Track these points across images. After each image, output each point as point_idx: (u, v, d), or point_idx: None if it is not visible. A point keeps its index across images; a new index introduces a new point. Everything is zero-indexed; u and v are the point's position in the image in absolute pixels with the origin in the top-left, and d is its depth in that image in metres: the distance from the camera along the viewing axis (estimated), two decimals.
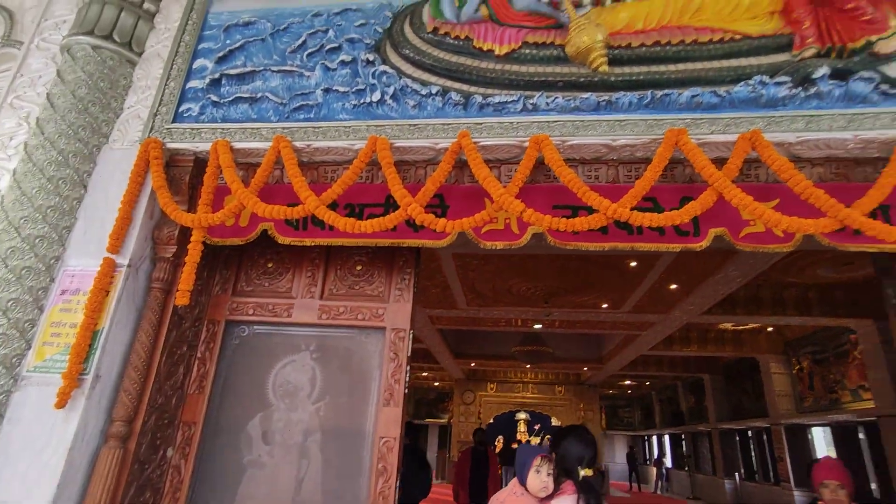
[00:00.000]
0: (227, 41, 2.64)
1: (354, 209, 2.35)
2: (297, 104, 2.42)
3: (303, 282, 2.56)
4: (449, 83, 2.37)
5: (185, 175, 2.42)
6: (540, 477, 1.86)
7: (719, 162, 2.15)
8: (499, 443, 16.01)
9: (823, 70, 2.12)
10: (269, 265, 2.61)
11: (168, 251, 2.33)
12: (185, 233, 2.32)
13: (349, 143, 2.32)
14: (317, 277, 2.56)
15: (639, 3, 2.40)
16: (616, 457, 22.45)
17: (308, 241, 2.32)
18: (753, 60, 2.24)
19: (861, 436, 9.53)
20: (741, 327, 10.50)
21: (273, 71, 2.52)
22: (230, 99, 2.48)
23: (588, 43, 2.27)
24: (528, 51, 2.38)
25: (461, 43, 2.45)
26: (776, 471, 12.03)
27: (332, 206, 2.25)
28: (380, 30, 2.55)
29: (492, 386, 14.59)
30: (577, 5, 2.43)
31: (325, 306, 2.49)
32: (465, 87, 2.35)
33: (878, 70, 2.11)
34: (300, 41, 2.57)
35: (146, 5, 2.72)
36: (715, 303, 7.47)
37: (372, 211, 2.33)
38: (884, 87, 2.08)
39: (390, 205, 2.30)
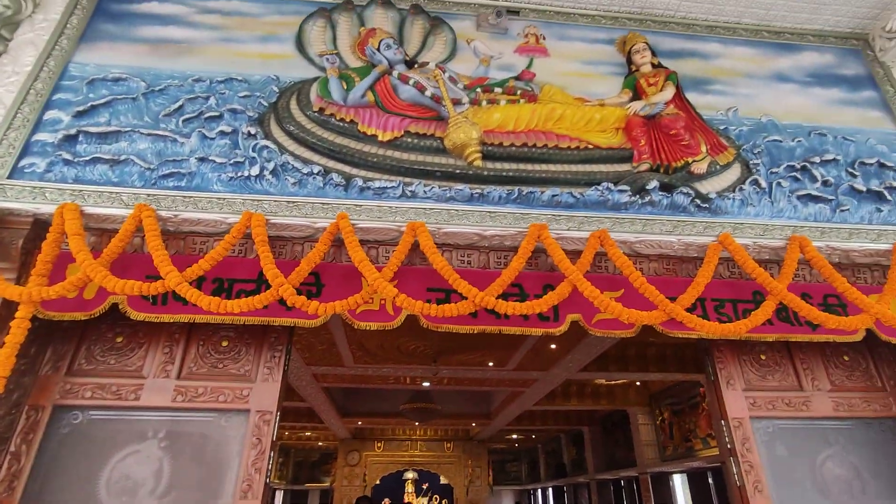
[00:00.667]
0: (91, 95, 2.46)
1: (223, 284, 2.23)
2: (167, 171, 2.29)
3: (158, 359, 2.33)
4: (332, 164, 2.41)
5: (17, 239, 2.13)
6: None
7: (576, 253, 2.40)
8: None
9: (654, 183, 2.51)
10: (119, 339, 2.35)
11: None
12: (10, 307, 2.01)
13: (222, 216, 2.23)
14: (175, 354, 2.35)
15: (510, 107, 2.68)
16: None
17: (167, 318, 2.14)
18: (603, 168, 2.58)
19: (710, 480, 10.57)
20: (613, 382, 11.36)
21: (142, 133, 2.37)
22: (87, 158, 2.27)
23: (464, 139, 2.46)
24: (409, 139, 2.52)
25: (346, 125, 2.52)
26: None
27: (199, 279, 2.13)
28: (265, 103, 2.55)
29: (379, 445, 14.06)
30: (457, 103, 2.64)
31: (182, 387, 2.28)
32: (347, 168, 2.41)
33: (692, 187, 2.54)
34: (177, 105, 2.47)
35: None
36: (590, 360, 8.05)
37: (242, 287, 2.23)
38: (697, 201, 2.51)
39: (262, 281, 2.22)
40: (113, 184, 2.25)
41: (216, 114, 2.48)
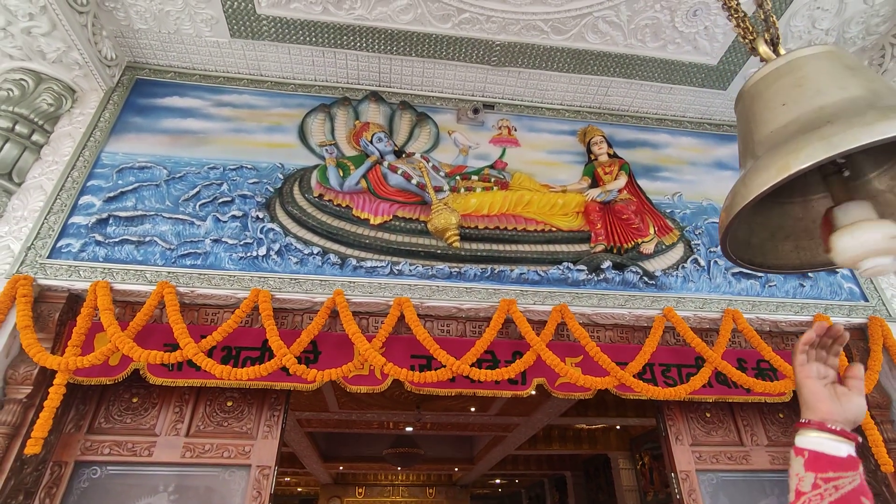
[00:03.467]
0: (120, 182, 2.82)
1: (231, 352, 2.54)
2: (186, 251, 2.64)
3: (169, 418, 2.60)
4: (329, 244, 2.78)
5: (54, 312, 2.43)
6: None
7: (541, 324, 2.77)
8: None
9: (608, 262, 2.92)
10: (135, 400, 2.63)
11: (21, 392, 2.27)
12: (45, 373, 2.30)
13: (233, 292, 2.56)
14: (185, 414, 2.63)
15: (485, 194, 3.10)
16: None
17: (181, 382, 2.43)
18: (564, 248, 2.99)
19: None
20: (594, 427, 11.54)
21: (164, 217, 2.72)
22: (116, 239, 2.61)
23: (445, 223, 2.86)
24: (397, 223, 2.91)
25: (342, 210, 2.91)
26: None
27: (210, 348, 2.44)
28: (271, 189, 2.93)
29: (360, 490, 13.90)
30: (438, 190, 3.06)
31: (191, 444, 2.55)
32: (342, 249, 2.78)
33: (641, 266, 2.96)
34: (195, 191, 2.84)
35: (35, 137, 2.81)
36: (570, 406, 8.31)
37: (248, 354, 2.55)
38: (645, 278, 2.92)
39: (266, 349, 2.55)
40: (138, 262, 2.58)
41: (228, 199, 2.85)
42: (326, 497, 13.64)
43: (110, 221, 2.67)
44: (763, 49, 1.09)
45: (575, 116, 3.68)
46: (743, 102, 1.03)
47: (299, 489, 15.30)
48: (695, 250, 3.15)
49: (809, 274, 3.19)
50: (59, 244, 2.56)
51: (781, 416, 3.23)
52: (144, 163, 2.90)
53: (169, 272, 2.57)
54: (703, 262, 3.11)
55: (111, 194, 2.75)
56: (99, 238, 2.60)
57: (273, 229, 2.77)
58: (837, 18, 3.20)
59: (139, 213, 2.71)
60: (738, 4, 1.18)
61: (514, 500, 21.05)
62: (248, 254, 2.69)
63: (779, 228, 1.10)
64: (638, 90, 3.63)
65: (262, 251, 2.69)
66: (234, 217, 2.78)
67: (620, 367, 2.62)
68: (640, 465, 12.09)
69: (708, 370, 2.72)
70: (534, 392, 2.73)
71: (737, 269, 3.12)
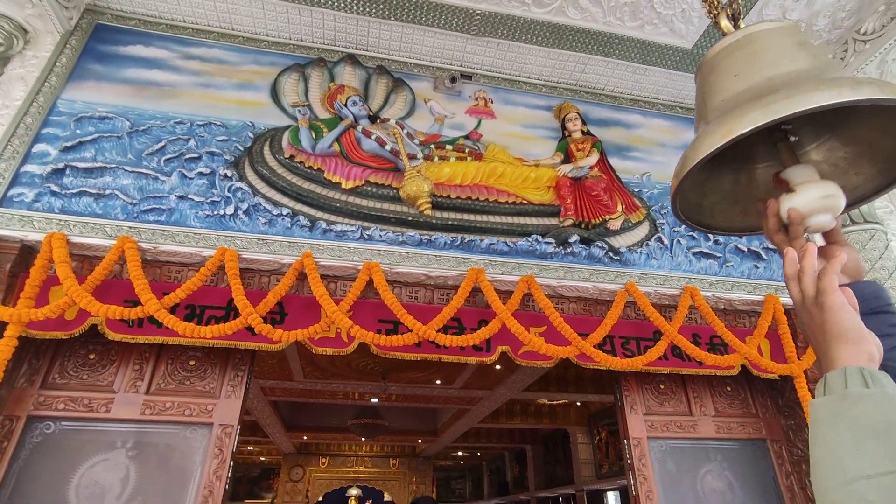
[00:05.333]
0: (79, 131, 2.69)
1: (195, 310, 2.50)
2: (149, 206, 2.55)
3: (128, 376, 2.56)
4: (299, 206, 2.74)
5: (5, 263, 2.33)
6: None
7: (507, 294, 2.83)
8: None
9: (575, 237, 2.98)
10: (92, 356, 2.57)
11: None
12: None
13: (198, 250, 2.51)
14: (145, 371, 2.59)
15: (459, 164, 3.10)
16: None
17: (142, 339, 2.39)
18: (534, 221, 3.04)
19: None
20: (555, 402, 11.92)
21: (126, 170, 2.62)
22: (74, 191, 2.50)
23: (417, 191, 2.86)
24: (369, 188, 2.89)
25: (313, 173, 2.86)
26: None
27: (173, 305, 2.39)
28: (240, 147, 2.86)
29: (324, 460, 14.02)
30: (412, 157, 3.04)
31: (151, 401, 2.52)
32: (312, 211, 2.75)
33: (607, 241, 3.04)
34: (160, 145, 2.74)
35: None
36: (533, 381, 8.54)
37: (213, 314, 2.51)
38: (610, 253, 3.01)
39: (232, 308, 2.52)
40: (97, 215, 2.49)
41: (195, 155, 2.76)
42: (289, 467, 13.72)
43: (67, 172, 2.56)
44: (724, 23, 1.14)
45: (551, 92, 3.69)
46: (702, 73, 1.08)
47: (262, 458, 15.32)
48: (659, 229, 3.24)
49: (763, 256, 3.35)
50: (10, 193, 2.44)
51: (729, 389, 3.41)
52: (105, 113, 2.77)
53: (130, 227, 2.49)
54: (666, 241, 3.21)
55: (68, 144, 2.63)
56: (55, 188, 2.49)
57: (241, 188, 2.71)
58: (807, 10, 3.28)
59: (99, 164, 2.60)
60: None
61: (476, 472, 21.67)
62: (215, 212, 2.62)
63: (728, 193, 1.16)
64: (614, 69, 3.66)
65: (230, 210, 2.64)
66: (201, 174, 2.71)
67: (582, 338, 2.71)
68: (597, 440, 12.59)
69: (664, 343, 2.84)
70: (497, 359, 2.80)
71: (697, 249, 3.24)
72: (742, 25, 1.12)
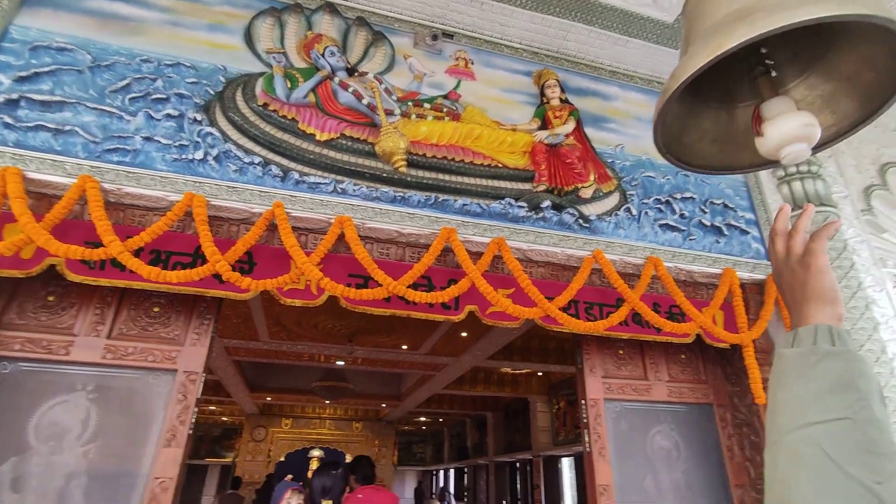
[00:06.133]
0: (34, 61, 2.53)
1: (160, 256, 2.45)
2: (112, 146, 2.45)
3: (89, 319, 2.50)
4: (271, 156, 2.68)
5: None
6: None
7: (478, 255, 2.87)
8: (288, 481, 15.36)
9: (547, 202, 3.03)
10: (50, 298, 2.49)
11: None
12: None
13: (164, 194, 2.44)
14: (106, 316, 2.53)
15: (436, 123, 3.07)
16: (406, 492, 23.26)
17: (104, 282, 2.33)
18: (507, 185, 3.06)
19: None
20: (518, 371, 12.27)
21: (88, 106, 2.49)
22: (30, 124, 2.37)
23: (393, 147, 2.83)
24: (344, 142, 2.85)
25: (287, 122, 2.79)
26: (533, 497, 13.95)
27: (137, 249, 2.33)
28: (211, 91, 2.75)
29: (287, 422, 14.13)
30: (389, 113, 3.00)
31: (113, 346, 2.48)
32: (285, 162, 2.69)
33: (578, 209, 3.10)
34: (124, 83, 2.61)
35: None
36: (497, 350, 8.75)
37: (179, 260, 2.46)
38: (580, 221, 3.07)
39: (199, 255, 2.47)
40: (56, 152, 2.37)
41: (163, 96, 2.65)
42: (252, 427, 13.77)
43: (22, 104, 2.41)
44: None
45: (532, 58, 3.67)
46: (689, 2, 1.09)
47: (224, 418, 15.32)
48: (629, 200, 3.32)
49: (724, 231, 3.48)
50: None
51: (683, 356, 3.59)
52: (64, 44, 2.61)
53: (92, 166, 2.39)
54: (634, 212, 3.29)
55: (23, 73, 2.47)
56: (8, 120, 2.36)
57: (212, 133, 2.63)
58: None
59: (57, 98, 2.47)
60: None
61: (437, 437, 22.27)
62: (183, 156, 2.54)
63: (707, 131, 1.20)
64: (595, 38, 3.66)
65: (199, 155, 2.56)
66: (168, 116, 2.60)
67: (548, 301, 2.78)
68: (555, 409, 13.08)
69: (626, 309, 2.95)
70: (465, 318, 2.86)
71: (664, 221, 3.34)
72: None
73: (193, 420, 2.43)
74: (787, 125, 0.95)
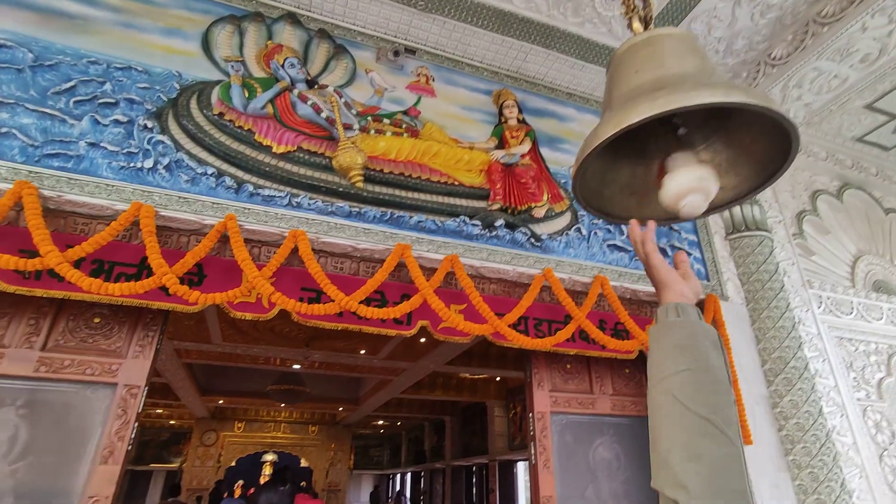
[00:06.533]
0: None
1: (104, 266, 2.37)
2: (53, 150, 2.36)
3: (22, 330, 2.39)
4: (226, 167, 2.65)
5: None
6: None
7: (432, 271, 2.91)
8: (237, 488, 14.96)
9: (501, 221, 3.12)
10: None
11: None
12: None
13: (110, 203, 2.37)
14: (41, 327, 2.43)
15: (395, 139, 3.11)
16: (362, 496, 23.04)
17: (40, 293, 2.24)
18: (463, 202, 3.13)
19: None
20: (476, 376, 12.39)
21: (28, 108, 2.40)
22: None
23: (350, 162, 2.85)
24: (301, 155, 2.84)
25: (244, 133, 2.76)
26: (488, 501, 14.09)
27: (78, 259, 2.26)
28: (164, 98, 2.69)
29: (239, 425, 13.75)
30: (348, 127, 3.01)
31: (47, 358, 2.38)
32: (240, 173, 2.66)
33: (530, 228, 3.20)
34: (69, 85, 2.52)
35: None
36: (456, 355, 8.81)
37: (123, 271, 2.40)
38: (532, 239, 3.17)
39: (145, 267, 2.41)
40: None
41: (112, 101, 2.57)
42: (202, 431, 13.33)
43: None
44: (636, 25, 1.26)
45: (492, 77, 3.76)
46: (612, 67, 1.20)
47: (172, 422, 14.74)
48: (579, 220, 3.45)
49: (668, 252, 3.66)
50: None
51: (627, 370, 3.75)
52: (2, 40, 2.50)
53: (31, 171, 2.29)
54: (584, 232, 3.42)
55: None
56: None
57: (163, 142, 2.57)
58: (729, 30, 3.56)
59: None
60: None
61: (394, 440, 22.16)
62: (132, 164, 2.48)
63: (626, 185, 1.30)
64: (553, 62, 3.79)
65: (149, 163, 2.50)
66: (117, 122, 2.53)
67: (499, 318, 2.86)
68: (512, 414, 13.27)
69: (573, 326, 3.06)
70: (417, 333, 2.90)
71: (612, 242, 3.48)
72: (651, 28, 1.24)
73: (133, 435, 2.37)
74: (684, 177, 1.06)
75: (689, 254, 3.77)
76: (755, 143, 1.14)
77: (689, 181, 1.07)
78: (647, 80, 1.05)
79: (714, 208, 1.20)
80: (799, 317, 3.91)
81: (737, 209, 4.06)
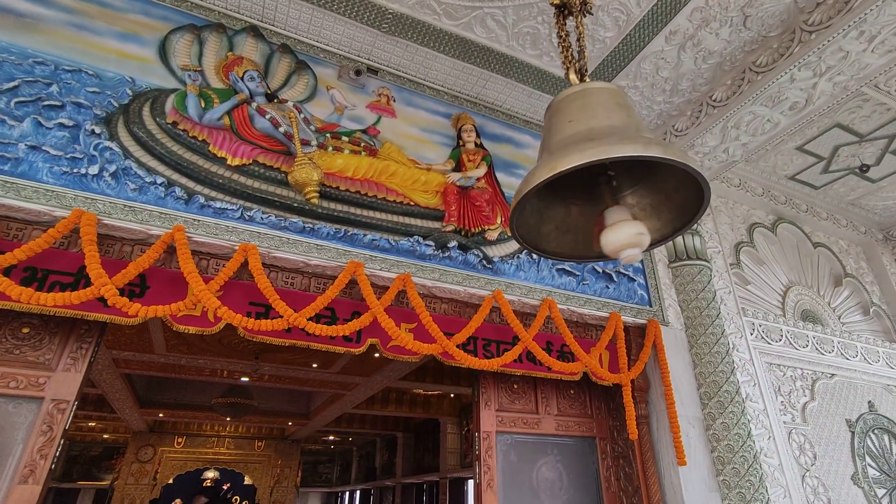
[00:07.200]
0: None
1: (36, 274, 2.27)
2: None
3: None
4: (176, 176, 2.60)
5: None
6: None
7: (384, 289, 2.94)
8: None
9: (454, 242, 3.18)
10: None
11: None
12: None
13: (49, 209, 2.28)
14: None
15: (352, 157, 3.14)
16: None
17: None
18: (418, 222, 3.18)
19: None
20: (430, 393, 12.35)
21: None
22: None
23: (306, 178, 2.85)
24: (256, 168, 2.83)
25: (198, 143, 2.73)
26: None
27: (8, 267, 2.16)
28: (115, 103, 2.63)
29: (180, 440, 13.11)
30: (305, 143, 3.02)
31: None
32: (191, 184, 2.62)
33: (482, 250, 3.28)
34: (12, 84, 2.42)
35: None
36: (410, 371, 8.78)
37: (59, 279, 2.30)
38: (484, 261, 3.25)
39: (83, 276, 2.33)
40: None
41: (57, 103, 2.49)
42: (138, 446, 12.62)
43: None
44: (572, 76, 1.37)
45: (453, 101, 3.86)
46: (549, 113, 1.29)
47: (105, 436, 13.90)
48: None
49: (614, 278, 3.83)
50: None
51: (572, 391, 3.86)
52: None
53: None
54: (535, 256, 3.53)
55: None
56: None
57: (111, 148, 2.50)
58: (675, 71, 3.80)
59: None
60: (566, 37, 1.42)
61: (345, 457, 21.67)
62: (75, 170, 2.40)
63: (562, 223, 1.39)
64: (512, 90, 3.93)
65: (94, 170, 2.43)
66: (62, 125, 2.45)
67: (448, 338, 2.91)
68: (465, 431, 13.26)
69: (520, 348, 3.14)
70: (365, 350, 2.91)
71: (560, 266, 3.61)
72: (587, 80, 1.35)
73: (58, 454, 2.25)
74: (623, 233, 1.17)
75: (633, 279, 3.94)
76: (677, 190, 1.25)
77: (628, 237, 1.18)
78: (580, 130, 1.14)
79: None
80: (733, 343, 4.16)
81: (679, 239, 4.30)
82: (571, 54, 1.42)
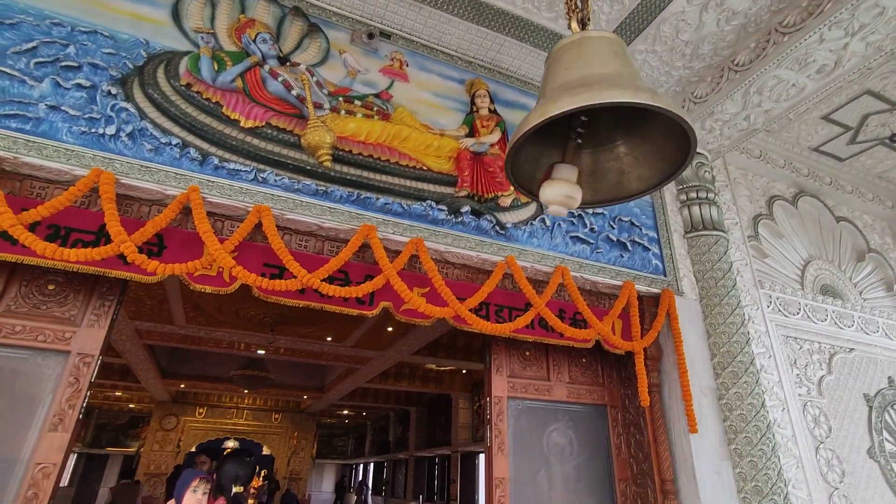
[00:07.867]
0: None
1: (59, 231, 2.33)
2: (11, 111, 2.30)
3: None
4: (191, 138, 2.62)
5: None
6: (196, 496, 2.19)
7: (397, 253, 2.96)
8: (202, 462, 14.70)
9: (467, 207, 3.17)
10: None
11: None
12: None
13: (69, 168, 2.32)
14: None
15: (365, 121, 3.13)
16: (324, 485, 22.98)
17: None
18: (430, 187, 3.17)
19: None
20: (443, 368, 12.49)
21: None
22: None
23: (318, 141, 2.85)
24: (269, 131, 2.84)
25: (211, 105, 2.74)
26: (449, 492, 14.26)
27: (33, 223, 2.21)
28: (130, 65, 2.64)
29: (201, 410, 13.54)
30: (318, 106, 3.01)
31: None
32: (205, 145, 2.64)
33: (495, 216, 3.27)
34: (31, 45, 2.45)
35: None
36: (423, 346, 8.88)
37: (80, 237, 2.36)
38: (497, 227, 3.24)
39: (103, 234, 2.38)
40: None
41: (75, 64, 2.51)
42: (161, 415, 13.07)
43: None
44: (573, 25, 1.36)
45: (466, 66, 3.81)
46: (549, 61, 1.29)
47: (131, 406, 14.41)
48: (544, 211, 3.53)
49: (629, 247, 3.79)
50: None
51: (584, 360, 3.87)
52: None
53: None
54: (548, 223, 3.51)
55: None
56: None
57: (127, 109, 2.53)
58: (696, 34, 3.69)
59: None
60: None
61: (359, 430, 22.16)
62: (94, 130, 2.43)
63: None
64: (527, 55, 3.86)
65: (111, 130, 2.46)
66: (79, 86, 2.48)
67: (460, 302, 2.92)
68: (476, 406, 13.43)
69: (532, 313, 3.15)
70: (378, 313, 2.94)
71: (575, 233, 3.59)
72: (587, 29, 1.33)
73: (85, 404, 2.34)
74: (555, 191, 1.24)
75: (648, 249, 3.90)
76: (665, 141, 1.24)
77: (557, 196, 1.30)
78: (573, 77, 1.15)
79: (629, 196, 1.32)
80: (749, 314, 4.11)
81: (696, 209, 4.23)
82: (574, 3, 1.41)
